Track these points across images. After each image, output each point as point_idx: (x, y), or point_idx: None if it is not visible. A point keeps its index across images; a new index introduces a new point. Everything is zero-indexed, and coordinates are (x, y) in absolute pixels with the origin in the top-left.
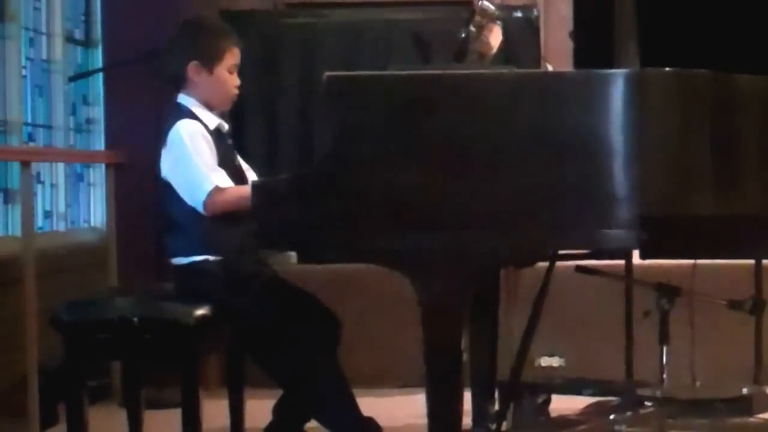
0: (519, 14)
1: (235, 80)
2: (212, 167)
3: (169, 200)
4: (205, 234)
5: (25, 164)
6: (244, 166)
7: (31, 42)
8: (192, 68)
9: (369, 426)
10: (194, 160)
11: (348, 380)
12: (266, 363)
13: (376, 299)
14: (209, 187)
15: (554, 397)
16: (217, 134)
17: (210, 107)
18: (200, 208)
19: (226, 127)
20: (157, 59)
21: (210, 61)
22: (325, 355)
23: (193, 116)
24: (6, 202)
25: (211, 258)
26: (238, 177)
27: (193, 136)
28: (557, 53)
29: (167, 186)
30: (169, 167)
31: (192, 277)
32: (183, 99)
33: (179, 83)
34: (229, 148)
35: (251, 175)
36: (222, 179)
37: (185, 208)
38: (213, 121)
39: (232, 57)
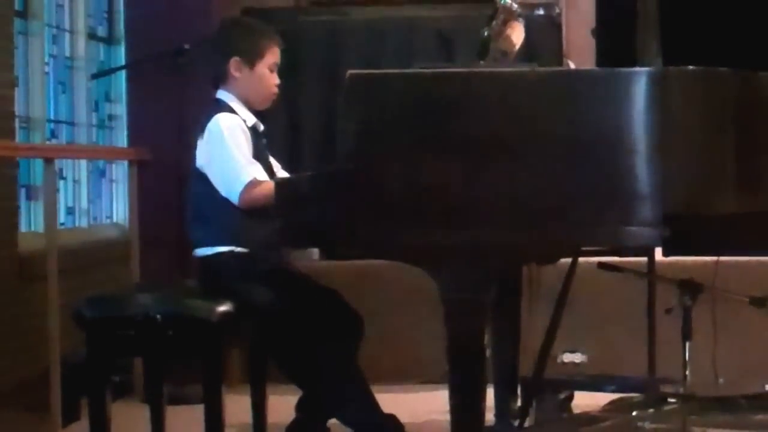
0: (541, 12)
1: (275, 79)
2: (250, 160)
3: (202, 190)
4: (235, 225)
5: (49, 161)
6: (276, 165)
7: (54, 39)
8: (233, 64)
9: (390, 423)
10: (233, 152)
11: (367, 378)
12: (285, 362)
13: (398, 295)
14: (247, 179)
15: (576, 394)
16: (253, 132)
17: (249, 105)
18: (235, 200)
19: (262, 127)
20: (180, 56)
21: (251, 58)
22: (343, 355)
23: (232, 111)
24: (29, 198)
25: (236, 249)
26: (271, 175)
27: (233, 129)
28: (579, 51)
29: (201, 176)
30: (205, 158)
31: (215, 267)
32: (222, 95)
33: (219, 80)
34: (264, 147)
35: (282, 174)
36: (259, 172)
37: (217, 198)
38: (250, 118)
39: (273, 56)
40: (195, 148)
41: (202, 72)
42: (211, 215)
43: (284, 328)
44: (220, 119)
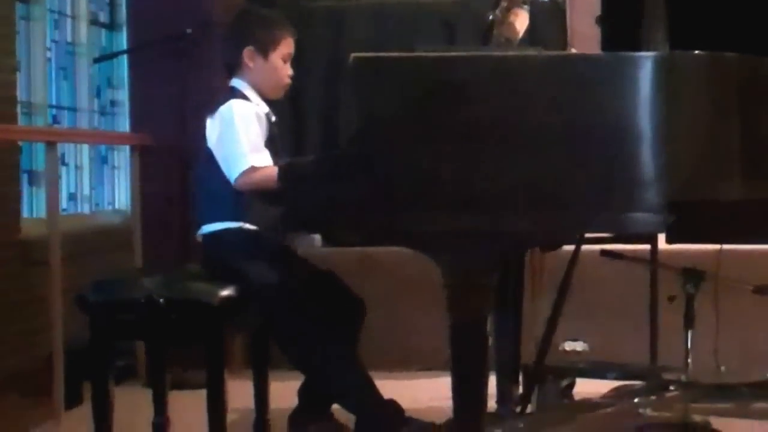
0: None
1: (288, 69)
2: (255, 146)
3: (214, 169)
4: (245, 202)
5: (51, 145)
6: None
7: (56, 24)
8: (247, 53)
9: (390, 408)
10: (240, 137)
11: (365, 363)
12: (288, 347)
13: (401, 282)
14: (244, 166)
15: (578, 381)
16: (267, 121)
17: (261, 94)
18: (233, 184)
19: (274, 117)
20: (182, 41)
21: (265, 48)
22: (343, 339)
23: (246, 99)
24: (31, 183)
25: (245, 226)
26: None
27: (245, 116)
28: (584, 38)
29: (211, 156)
30: (215, 140)
31: (219, 244)
32: (236, 83)
33: (234, 68)
34: (277, 137)
35: None
36: (260, 159)
37: (226, 178)
38: (263, 107)
39: (287, 46)
40: (204, 128)
41: (209, 57)
42: (221, 193)
43: (286, 308)
44: (234, 105)
